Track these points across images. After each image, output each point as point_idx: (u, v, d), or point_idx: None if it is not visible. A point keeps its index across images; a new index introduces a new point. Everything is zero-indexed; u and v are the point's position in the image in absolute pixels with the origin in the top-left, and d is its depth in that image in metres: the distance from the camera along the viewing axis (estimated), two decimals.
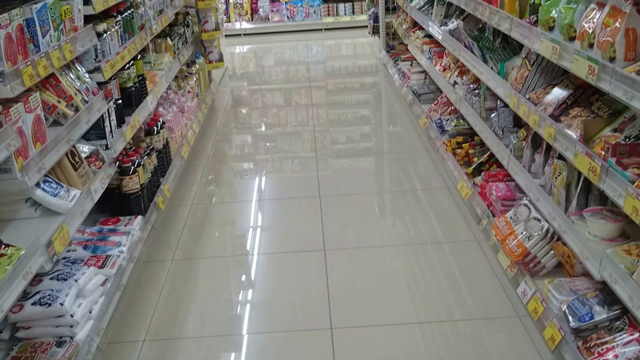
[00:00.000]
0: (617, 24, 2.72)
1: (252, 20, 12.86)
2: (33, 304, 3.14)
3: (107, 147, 4.31)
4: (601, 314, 3.05)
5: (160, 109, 5.86)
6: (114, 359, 3.57)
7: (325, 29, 12.81)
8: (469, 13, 5.43)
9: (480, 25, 5.36)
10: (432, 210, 5.05)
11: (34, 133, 3.18)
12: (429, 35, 7.14)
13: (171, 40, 6.74)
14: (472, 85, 5.41)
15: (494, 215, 4.30)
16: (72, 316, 3.15)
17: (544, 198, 3.64)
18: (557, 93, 3.63)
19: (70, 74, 3.99)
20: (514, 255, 3.65)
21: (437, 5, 6.58)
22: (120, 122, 4.65)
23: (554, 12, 3.39)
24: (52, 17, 3.49)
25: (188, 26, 7.67)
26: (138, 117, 4.94)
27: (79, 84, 4.02)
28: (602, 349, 2.87)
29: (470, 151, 5.12)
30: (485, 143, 4.79)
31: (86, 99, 3.98)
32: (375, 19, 9.91)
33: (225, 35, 11.93)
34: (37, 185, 3.42)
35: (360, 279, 4.20)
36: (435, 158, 5.93)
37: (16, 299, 2.80)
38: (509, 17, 4.02)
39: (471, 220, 4.75)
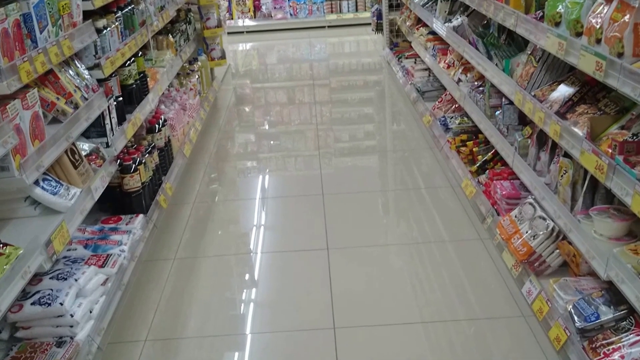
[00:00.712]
0: (625, 19, 2.67)
1: (254, 17, 12.82)
2: (32, 303, 3.10)
3: (107, 145, 4.27)
4: (607, 314, 3.00)
5: (162, 106, 5.82)
6: (115, 359, 3.54)
7: (328, 27, 12.77)
8: (474, 9, 5.39)
9: (485, 22, 5.31)
10: (436, 209, 5.01)
11: (32, 130, 3.14)
12: (433, 32, 7.09)
13: (173, 37, 6.70)
14: (476, 83, 5.36)
15: (498, 214, 4.25)
16: (72, 316, 3.12)
17: (549, 196, 3.60)
18: (563, 90, 3.58)
19: (70, 71, 3.95)
20: (519, 255, 3.61)
21: (441, 2, 6.53)
22: (121, 119, 4.61)
23: (560, 7, 3.34)
24: (50, 12, 3.45)
25: (190, 23, 7.63)
26: (139, 115, 4.90)
27: (78, 80, 3.98)
28: (608, 350, 2.83)
29: (474, 149, 5.07)
30: (490, 141, 4.74)
31: (86, 96, 3.94)
32: (379, 16, 9.86)
33: (228, 33, 11.93)
34: (36, 183, 3.38)
35: (363, 278, 4.16)
36: (439, 156, 5.88)
37: (15, 299, 2.77)
38: (515, 12, 3.97)
39: (475, 219, 4.70)
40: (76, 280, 3.30)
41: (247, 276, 4.39)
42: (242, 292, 4.22)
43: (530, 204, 3.78)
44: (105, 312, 3.45)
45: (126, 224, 4.31)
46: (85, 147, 4.10)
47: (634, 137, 2.88)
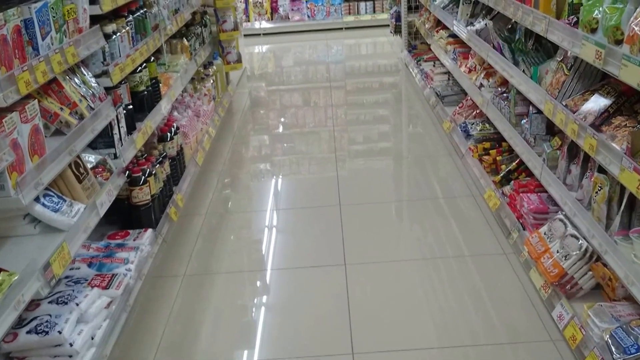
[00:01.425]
0: None
1: (272, 19, 12.56)
2: (28, 332, 2.86)
3: (115, 156, 4.03)
4: None
5: (175, 113, 5.58)
6: None
7: (345, 28, 12.48)
8: (498, 12, 5.10)
9: (510, 25, 5.01)
10: (457, 221, 4.72)
11: (30, 145, 2.90)
12: (453, 35, 6.79)
13: (187, 40, 6.46)
14: (499, 89, 5.07)
15: (524, 228, 3.97)
16: (71, 345, 2.87)
17: (581, 213, 3.31)
18: (598, 100, 3.28)
19: (75, 79, 3.72)
20: (550, 276, 3.32)
21: (462, 4, 6.24)
22: (131, 128, 4.37)
23: (597, 12, 3.04)
24: (54, 17, 3.21)
25: (206, 26, 7.39)
26: (150, 123, 4.67)
27: (84, 89, 3.75)
28: None
29: (498, 158, 4.78)
30: (515, 150, 4.45)
31: (92, 105, 3.70)
32: (397, 17, 9.57)
33: (245, 35, 11.68)
34: (37, 199, 3.15)
35: (382, 297, 3.89)
36: (459, 164, 5.59)
37: (8, 329, 2.53)
38: (545, 17, 3.68)
39: (499, 233, 4.42)
40: (77, 304, 3.06)
41: (260, 294, 4.13)
42: (256, 312, 3.95)
43: (561, 220, 3.49)
44: (109, 337, 3.20)
45: (134, 240, 4.07)
46: (91, 159, 3.87)
47: None
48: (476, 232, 4.53)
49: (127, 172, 4.17)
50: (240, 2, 11.86)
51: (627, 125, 3.04)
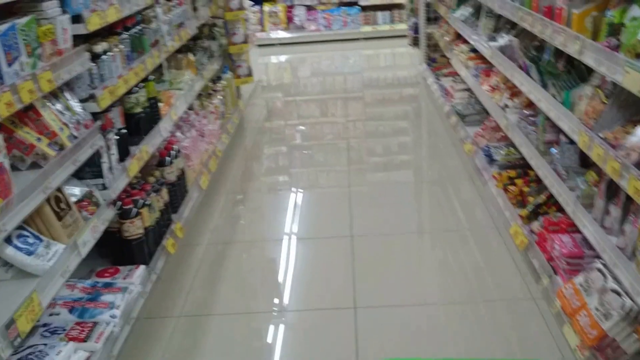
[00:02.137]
0: None
1: (287, 29, 12.18)
2: None
3: (104, 187, 3.66)
4: None
5: (178, 133, 5.20)
6: None
7: (363, 39, 12.07)
8: (523, 28, 4.67)
9: (538, 43, 4.57)
10: (481, 258, 4.30)
11: None
12: (474, 50, 6.36)
13: (194, 55, 6.09)
14: (526, 111, 4.63)
15: (555, 273, 3.53)
16: None
17: (623, 264, 2.87)
18: None
19: (57, 105, 3.35)
20: (588, 339, 2.88)
21: (485, 18, 5.81)
22: (125, 154, 4.00)
23: None
24: (26, 40, 2.84)
25: (215, 39, 7.01)
26: (147, 148, 4.29)
27: (67, 115, 3.38)
28: None
29: (524, 189, 4.34)
30: (544, 181, 4.01)
31: (75, 134, 3.33)
32: (416, 29, 9.15)
33: (260, 45, 11.35)
34: (8, 241, 2.79)
35: (394, 349, 3.46)
36: (482, 191, 5.15)
37: None
38: (579, 38, 3.24)
39: (527, 273, 3.98)
40: None
41: (263, 340, 3.72)
42: None
43: (599, 270, 3.06)
44: None
45: (123, 278, 3.68)
46: (76, 191, 3.49)
47: None
48: (501, 272, 4.10)
49: (118, 203, 3.79)
50: (253, 13, 11.52)
51: None
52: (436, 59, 8.58)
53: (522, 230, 4.05)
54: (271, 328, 3.77)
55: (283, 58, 11.56)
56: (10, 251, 2.79)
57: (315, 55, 11.53)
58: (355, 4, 12.13)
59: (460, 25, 6.61)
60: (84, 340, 2.99)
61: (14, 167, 2.90)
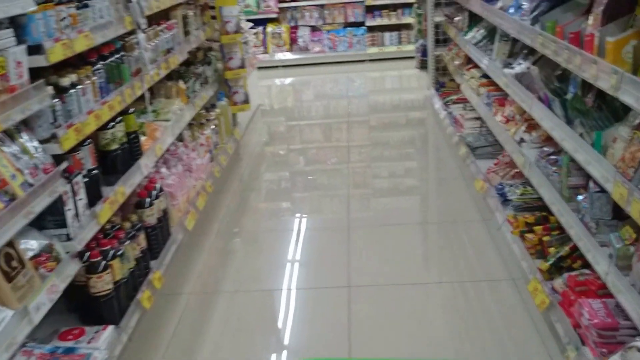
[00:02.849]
0: None
1: (290, 50, 11.76)
2: None
3: (68, 238, 3.21)
4: None
5: (163, 169, 4.75)
6: None
7: (369, 60, 11.63)
8: (542, 54, 4.22)
9: (560, 72, 4.12)
10: (497, 317, 3.81)
11: None
12: (487, 75, 5.91)
13: (185, 82, 5.66)
14: (546, 148, 4.17)
15: (583, 344, 3.04)
16: None
17: None
18: None
19: (12, 147, 2.93)
20: None
21: (499, 42, 5.36)
22: (96, 197, 3.58)
23: None
24: None
25: (210, 64, 6.60)
26: (122, 189, 3.85)
27: (24, 160, 2.96)
28: None
29: (544, 238, 3.86)
30: (567, 231, 3.54)
31: (31, 181, 2.90)
32: (424, 52, 8.71)
33: (263, 67, 10.94)
34: None
35: None
36: (495, 235, 4.67)
37: None
38: (616, 71, 2.78)
39: (548, 338, 3.50)
40: None
41: None
42: None
43: (639, 350, 2.58)
44: None
45: (88, 342, 3.24)
46: (32, 244, 3.05)
47: None
48: (520, 335, 3.61)
49: (85, 255, 3.35)
50: (258, 32, 11.14)
51: None
52: (445, 84, 8.13)
53: (543, 287, 3.57)
54: None
55: (286, 80, 11.15)
56: None
57: (320, 78, 11.12)
58: (362, 24, 11.72)
59: (472, 49, 6.16)
60: None
61: None
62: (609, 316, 2.92)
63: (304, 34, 11.74)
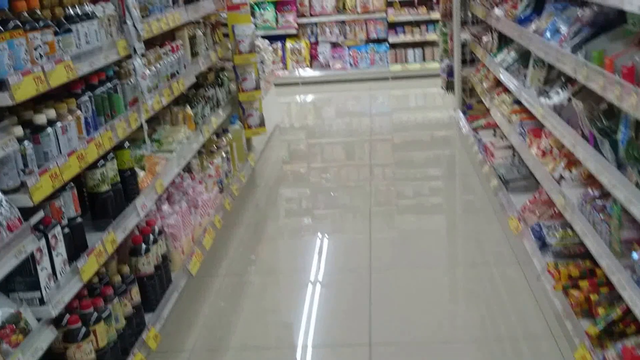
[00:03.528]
0: None
1: (311, 67, 11.30)
2: None
3: (42, 302, 2.75)
4: None
5: (165, 206, 4.29)
6: None
7: (392, 78, 11.13)
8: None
9: (606, 106, 3.59)
10: None
11: None
12: (519, 101, 5.38)
13: (193, 107, 5.21)
14: (591, 191, 3.63)
15: None
16: None
17: None
18: None
19: None
20: None
21: (533, 68, 4.83)
22: (81, 248, 3.12)
23: None
24: None
25: (222, 85, 6.14)
26: (113, 236, 3.39)
27: None
28: None
29: (592, 297, 3.33)
30: (619, 292, 3.00)
31: None
32: (450, 73, 8.18)
33: (282, 84, 10.52)
34: None
35: None
36: (533, 283, 4.13)
37: None
38: None
39: None
40: None
41: None
42: None
43: None
44: None
45: None
46: None
47: None
48: None
49: (64, 320, 2.89)
50: (277, 48, 10.71)
51: None
52: (472, 106, 7.60)
53: (592, 356, 3.03)
54: None
55: (306, 98, 10.69)
56: None
57: (341, 96, 10.64)
58: (385, 40, 11.22)
59: (503, 73, 5.63)
60: None
61: None
62: None
63: (324, 50, 11.27)
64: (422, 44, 11.19)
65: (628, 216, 3.01)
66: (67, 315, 2.94)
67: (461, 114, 7.60)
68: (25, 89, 2.64)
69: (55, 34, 3.00)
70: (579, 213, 3.59)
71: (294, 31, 11.29)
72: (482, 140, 6.16)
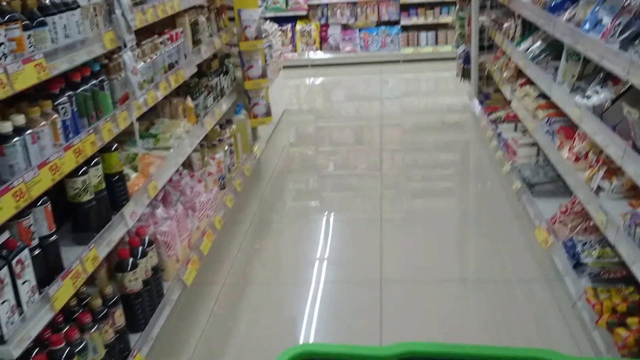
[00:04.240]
0: None
1: (320, 49, 10.71)
2: None
3: (1, 341, 2.27)
4: None
5: (159, 209, 3.79)
6: None
7: (403, 61, 10.53)
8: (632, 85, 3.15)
9: None
10: None
11: None
12: (545, 95, 4.83)
13: (194, 99, 4.68)
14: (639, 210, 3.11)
15: None
16: None
17: None
18: None
19: None
20: None
21: (566, 61, 4.27)
22: (55, 270, 2.63)
23: None
24: None
25: (227, 73, 5.60)
26: (95, 252, 2.91)
27: None
28: None
29: None
30: None
31: None
32: (466, 59, 7.59)
33: (291, 67, 9.97)
34: None
35: None
36: (565, 308, 3.62)
37: None
38: None
39: None
40: None
41: None
42: None
43: None
44: None
45: None
46: None
47: None
48: None
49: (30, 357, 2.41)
50: (286, 30, 10.15)
51: None
52: (489, 95, 7.04)
53: None
54: None
55: (316, 81, 10.12)
56: None
57: (351, 79, 10.07)
58: (396, 23, 10.61)
59: (528, 64, 5.06)
60: None
61: None
62: None
63: (334, 32, 10.66)
64: (435, 27, 10.57)
65: None
66: (35, 352, 2.46)
67: (477, 103, 7.03)
68: None
69: (26, 28, 2.48)
70: (625, 234, 3.07)
71: (304, 13, 10.68)
72: (503, 136, 5.60)
